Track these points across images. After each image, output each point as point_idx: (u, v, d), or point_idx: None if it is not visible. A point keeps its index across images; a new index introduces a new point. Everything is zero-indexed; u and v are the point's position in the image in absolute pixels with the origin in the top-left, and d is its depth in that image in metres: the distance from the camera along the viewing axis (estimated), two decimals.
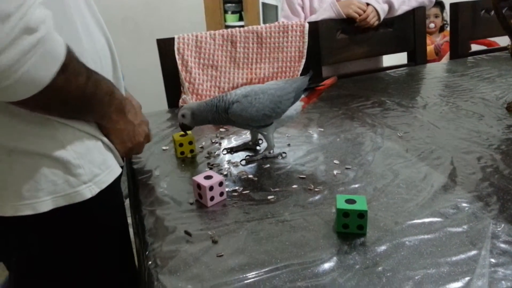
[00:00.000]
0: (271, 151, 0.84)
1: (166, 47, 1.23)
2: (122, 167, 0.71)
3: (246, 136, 0.95)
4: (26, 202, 0.58)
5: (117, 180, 0.68)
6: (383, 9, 1.40)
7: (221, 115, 0.78)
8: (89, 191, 0.62)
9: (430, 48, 2.39)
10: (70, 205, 0.60)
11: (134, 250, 0.75)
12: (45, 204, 0.59)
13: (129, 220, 0.76)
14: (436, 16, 2.48)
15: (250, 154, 0.86)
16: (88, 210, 0.63)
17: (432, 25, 2.47)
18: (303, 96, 0.83)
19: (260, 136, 0.89)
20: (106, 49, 0.68)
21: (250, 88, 0.79)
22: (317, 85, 0.84)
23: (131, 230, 0.76)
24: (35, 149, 0.58)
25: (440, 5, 2.48)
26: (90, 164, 0.62)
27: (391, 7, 1.43)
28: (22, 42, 0.46)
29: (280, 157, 0.84)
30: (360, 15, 1.39)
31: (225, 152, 0.88)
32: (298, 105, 0.82)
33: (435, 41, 2.46)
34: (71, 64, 0.53)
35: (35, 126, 0.58)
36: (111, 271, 0.72)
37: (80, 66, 0.55)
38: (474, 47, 2.21)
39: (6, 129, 0.57)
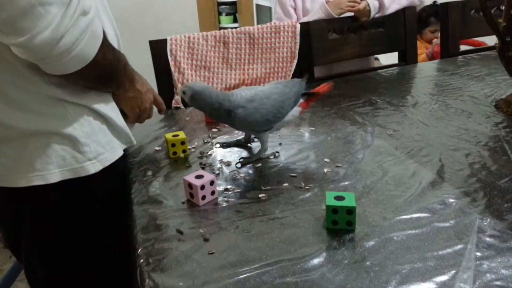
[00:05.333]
0: (264, 152, 0.85)
1: (158, 48, 1.24)
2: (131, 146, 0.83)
3: (238, 135, 0.96)
4: (38, 173, 0.66)
5: (120, 160, 0.77)
6: (374, 5, 1.42)
7: (221, 114, 0.77)
8: (93, 167, 0.70)
9: (423, 57, 2.37)
10: (75, 179, 0.69)
11: None
12: (54, 175, 0.67)
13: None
14: None
15: (244, 154, 0.87)
16: (91, 184, 0.72)
17: (436, 40, 2.35)
18: (301, 101, 0.83)
19: (253, 135, 0.90)
20: (112, 34, 0.77)
21: (255, 92, 0.78)
22: (312, 92, 0.84)
23: None
24: (47, 128, 0.66)
25: None
26: (95, 144, 0.71)
27: (381, 4, 1.44)
28: (80, 23, 0.57)
29: (273, 157, 0.84)
30: (353, 8, 1.40)
31: (218, 146, 0.90)
32: (296, 110, 0.82)
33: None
34: (105, 42, 0.64)
35: (49, 107, 0.66)
36: (110, 240, 0.79)
37: (108, 43, 0.67)
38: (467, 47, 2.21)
39: (22, 112, 0.65)
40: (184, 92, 0.79)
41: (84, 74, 0.64)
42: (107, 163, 0.72)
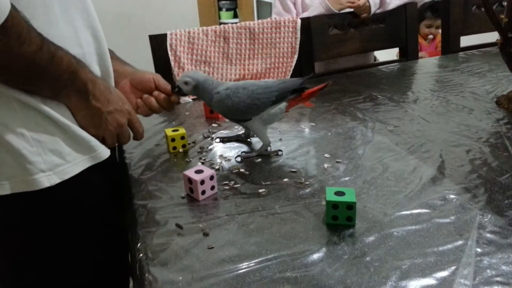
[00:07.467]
0: (268, 149, 0.84)
1: (158, 43, 1.23)
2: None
3: (238, 130, 0.96)
4: None
5: (94, 172, 0.66)
6: (374, 1, 1.41)
7: (208, 99, 0.83)
8: (47, 180, 0.60)
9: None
10: (31, 192, 0.60)
11: None
12: (3, 188, 0.59)
13: None
14: (438, 27, 2.25)
15: (244, 149, 0.87)
16: (55, 198, 0.63)
17: (431, 36, 2.30)
18: (291, 97, 0.80)
19: None
20: (89, 39, 0.66)
21: (236, 83, 0.81)
22: (307, 88, 0.80)
23: None
24: None
25: None
26: (51, 153, 0.60)
27: (382, 0, 1.43)
28: None
29: (276, 155, 0.84)
30: (353, 4, 1.39)
31: (218, 140, 0.90)
32: (283, 105, 0.80)
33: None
34: (14, 30, 0.51)
35: None
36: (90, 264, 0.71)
37: (30, 35, 0.54)
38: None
39: None
40: (186, 83, 0.81)
41: None
42: (67, 176, 0.62)
